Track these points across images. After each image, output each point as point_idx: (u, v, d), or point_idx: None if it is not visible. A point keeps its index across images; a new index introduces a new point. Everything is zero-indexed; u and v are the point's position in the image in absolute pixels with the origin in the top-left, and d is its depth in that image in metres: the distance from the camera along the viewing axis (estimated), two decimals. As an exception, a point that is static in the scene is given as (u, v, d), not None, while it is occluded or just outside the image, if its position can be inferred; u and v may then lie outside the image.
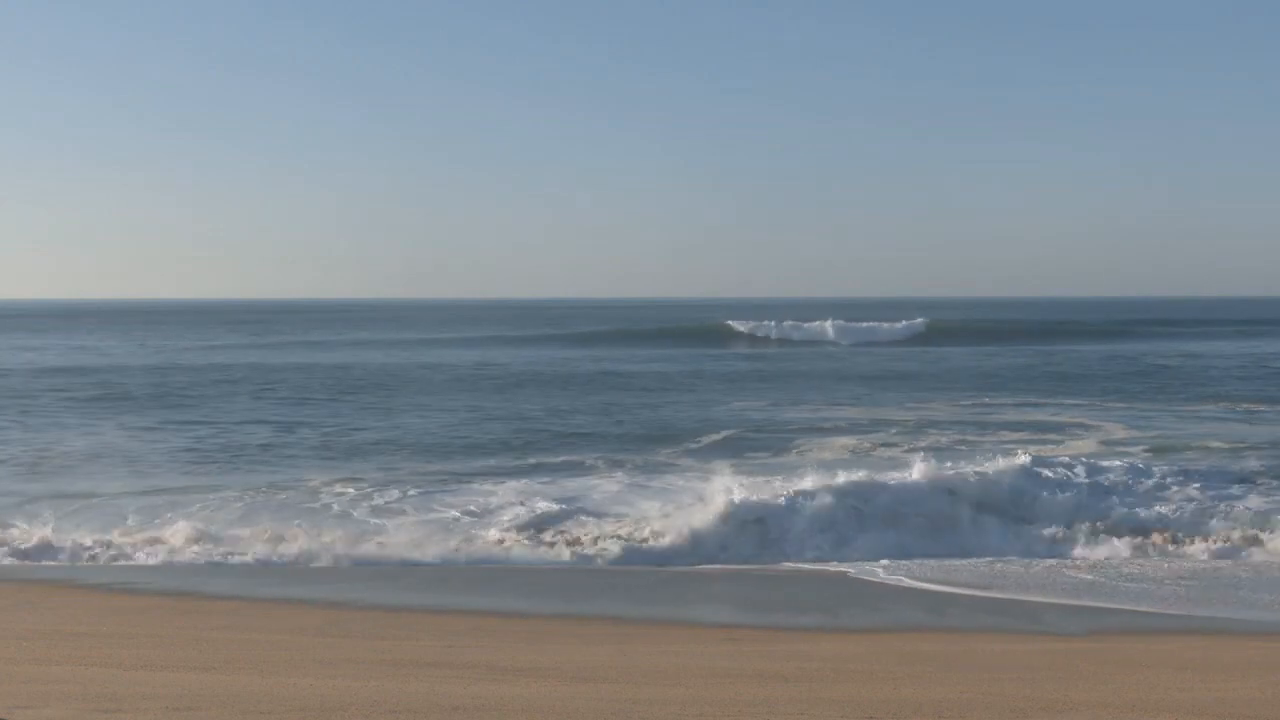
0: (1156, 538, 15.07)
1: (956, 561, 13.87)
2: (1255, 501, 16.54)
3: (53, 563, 13.64)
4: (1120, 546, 14.77)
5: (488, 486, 18.02)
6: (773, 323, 65.66)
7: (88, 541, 14.40)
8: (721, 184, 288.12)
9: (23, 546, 14.29)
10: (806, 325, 64.94)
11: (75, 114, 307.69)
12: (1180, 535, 15.14)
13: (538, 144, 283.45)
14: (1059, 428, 24.57)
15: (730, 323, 66.98)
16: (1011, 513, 16.03)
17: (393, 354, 52.24)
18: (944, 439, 22.71)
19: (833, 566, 13.96)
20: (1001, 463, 17.36)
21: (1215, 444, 21.38)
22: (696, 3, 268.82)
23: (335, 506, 16.82)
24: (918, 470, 16.75)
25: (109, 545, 14.37)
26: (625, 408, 29.26)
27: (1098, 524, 15.43)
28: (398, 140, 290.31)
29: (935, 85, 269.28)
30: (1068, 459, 18.51)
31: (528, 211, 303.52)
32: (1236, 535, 15.06)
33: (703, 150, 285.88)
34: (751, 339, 62.65)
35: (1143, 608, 11.50)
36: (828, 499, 15.75)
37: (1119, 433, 23.58)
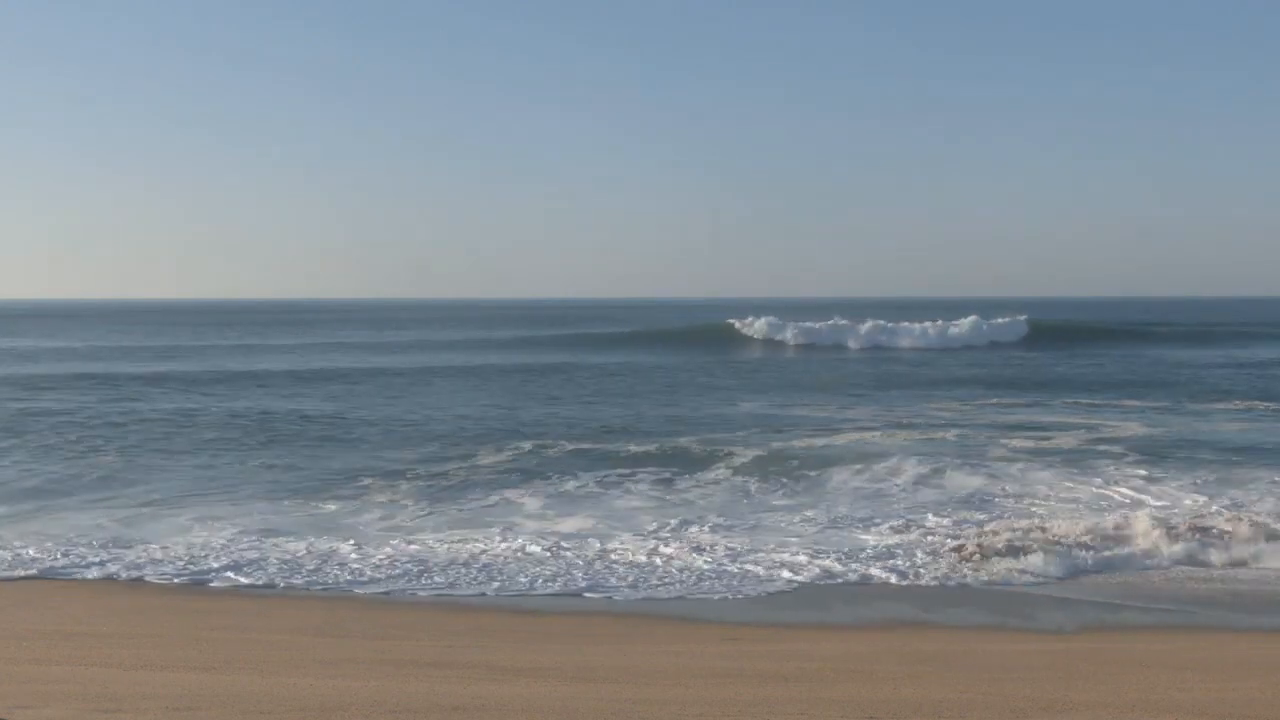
0: None
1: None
2: None
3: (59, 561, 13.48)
4: None
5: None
6: (847, 324, 59.08)
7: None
8: (724, 184, 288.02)
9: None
10: (892, 327, 58.51)
11: (75, 114, 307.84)
12: None
13: (539, 143, 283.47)
14: None
15: (787, 326, 59.67)
16: None
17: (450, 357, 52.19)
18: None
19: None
20: None
21: None
22: (697, 3, 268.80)
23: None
24: None
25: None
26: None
27: None
28: (398, 140, 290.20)
29: (937, 85, 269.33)
30: None
31: (528, 211, 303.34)
32: None
33: (704, 150, 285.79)
34: (835, 347, 56.07)
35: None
36: None
37: None
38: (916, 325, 58.42)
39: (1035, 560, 12.99)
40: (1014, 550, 13.35)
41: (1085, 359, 46.29)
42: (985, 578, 12.50)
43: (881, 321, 59.66)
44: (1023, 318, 60.31)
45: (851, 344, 56.40)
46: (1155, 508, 15.61)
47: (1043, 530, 14.12)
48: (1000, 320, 59.64)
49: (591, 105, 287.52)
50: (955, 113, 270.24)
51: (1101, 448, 21.57)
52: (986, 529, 14.38)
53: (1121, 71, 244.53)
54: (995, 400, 31.43)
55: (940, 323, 58.85)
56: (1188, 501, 16.36)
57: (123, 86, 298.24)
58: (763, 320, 60.60)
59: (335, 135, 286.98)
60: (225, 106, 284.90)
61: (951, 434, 23.82)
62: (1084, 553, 13.33)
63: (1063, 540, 13.68)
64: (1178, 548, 13.40)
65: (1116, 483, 17.93)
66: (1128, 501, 16.46)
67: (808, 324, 59.69)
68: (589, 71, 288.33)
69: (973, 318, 59.13)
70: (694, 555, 13.40)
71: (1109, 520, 14.45)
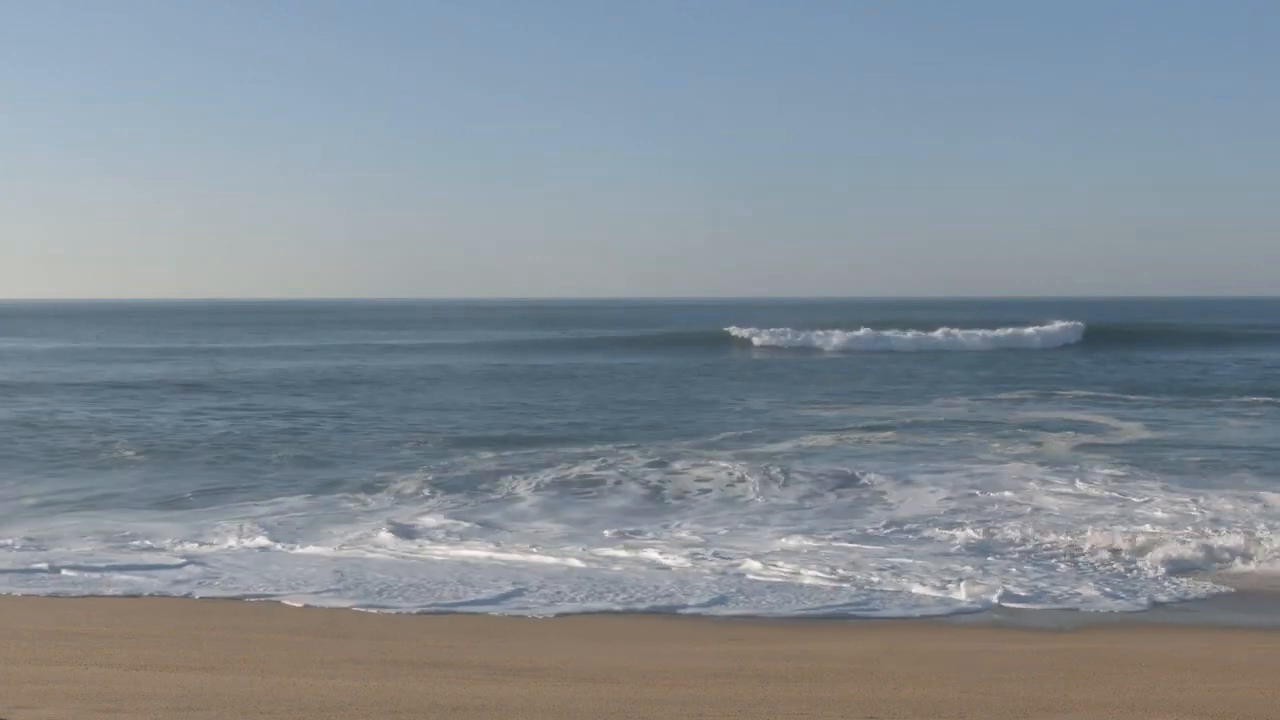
0: None
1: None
2: None
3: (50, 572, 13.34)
4: None
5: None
6: (917, 334, 55.62)
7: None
8: (724, 184, 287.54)
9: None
10: (943, 334, 55.57)
11: (74, 113, 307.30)
12: None
13: (538, 144, 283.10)
14: None
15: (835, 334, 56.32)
16: None
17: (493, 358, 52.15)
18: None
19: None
20: None
21: None
22: (697, 3, 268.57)
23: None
24: None
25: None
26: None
27: None
28: (398, 140, 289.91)
29: (937, 85, 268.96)
30: None
31: (528, 211, 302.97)
32: None
33: (704, 150, 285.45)
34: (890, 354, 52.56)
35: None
36: None
37: None
38: (979, 332, 56.37)
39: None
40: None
41: (1153, 364, 44.34)
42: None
43: (940, 332, 56.33)
44: (1077, 323, 57.66)
45: (896, 348, 54.23)
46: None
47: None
48: (1061, 324, 57.29)
49: (591, 105, 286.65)
50: (955, 113, 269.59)
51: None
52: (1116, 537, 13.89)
53: (1122, 71, 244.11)
54: (1043, 398, 31.47)
55: (1011, 331, 56.46)
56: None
57: (123, 86, 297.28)
58: (769, 331, 57.68)
59: (335, 135, 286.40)
60: (225, 106, 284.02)
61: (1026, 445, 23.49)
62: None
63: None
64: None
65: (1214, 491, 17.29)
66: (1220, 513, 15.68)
67: (837, 332, 56.46)
68: (589, 71, 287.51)
69: (1033, 328, 56.86)
70: (742, 566, 12.89)
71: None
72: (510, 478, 18.82)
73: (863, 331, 56.88)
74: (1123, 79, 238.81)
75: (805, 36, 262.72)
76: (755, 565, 12.81)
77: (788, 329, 58.25)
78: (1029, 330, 56.90)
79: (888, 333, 57.00)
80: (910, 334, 56.45)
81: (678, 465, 19.85)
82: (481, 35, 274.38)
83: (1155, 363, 44.47)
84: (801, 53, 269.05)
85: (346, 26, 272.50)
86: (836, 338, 56.16)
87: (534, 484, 18.23)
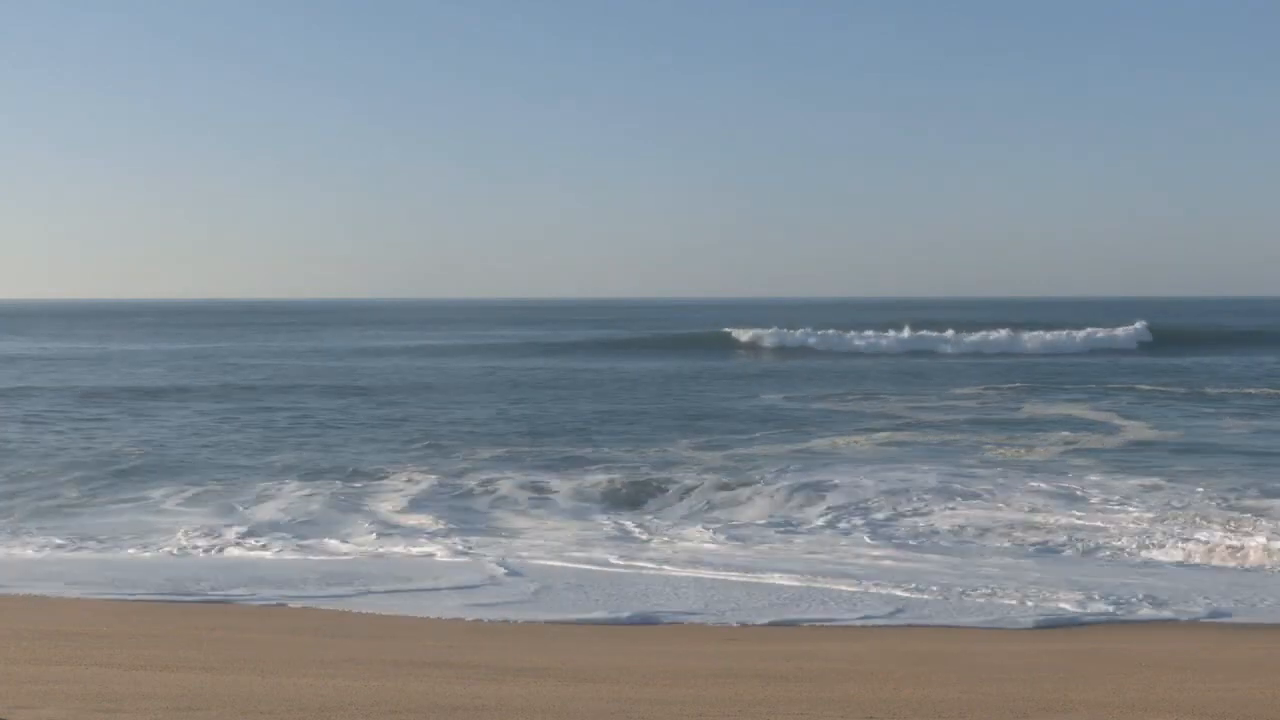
0: None
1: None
2: None
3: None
4: None
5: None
6: (967, 334, 54.15)
7: None
8: (725, 184, 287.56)
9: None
10: (995, 335, 54.50)
11: (75, 113, 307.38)
12: None
13: (540, 143, 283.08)
14: None
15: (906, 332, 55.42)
16: None
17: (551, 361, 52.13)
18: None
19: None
20: None
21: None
22: (698, 3, 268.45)
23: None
24: None
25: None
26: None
27: None
28: (399, 140, 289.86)
29: (938, 85, 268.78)
30: None
31: (530, 211, 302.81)
32: None
33: (705, 149, 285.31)
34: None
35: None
36: None
37: None
38: (1047, 333, 55.05)
39: None
40: None
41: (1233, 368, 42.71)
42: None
43: (1003, 332, 54.99)
44: (1140, 324, 56.05)
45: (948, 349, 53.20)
46: None
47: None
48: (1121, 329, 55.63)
49: (593, 105, 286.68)
50: (955, 113, 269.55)
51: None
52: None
53: (1122, 71, 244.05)
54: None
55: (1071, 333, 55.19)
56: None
57: (123, 86, 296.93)
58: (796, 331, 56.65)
59: (336, 135, 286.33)
60: (225, 106, 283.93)
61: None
62: None
63: None
64: None
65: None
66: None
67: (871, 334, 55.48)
68: (590, 72, 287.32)
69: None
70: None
71: None
72: (507, 479, 18.83)
73: (887, 334, 55.97)
74: (1123, 79, 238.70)
75: (805, 36, 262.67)
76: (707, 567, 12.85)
77: (780, 328, 57.89)
78: (1097, 332, 55.50)
79: (914, 333, 56.09)
80: (935, 334, 55.38)
81: (670, 467, 19.86)
82: (481, 35, 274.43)
83: (1233, 364, 43.79)
84: (801, 53, 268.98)
85: (347, 26, 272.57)
86: (865, 339, 55.21)
87: (529, 484, 18.29)
